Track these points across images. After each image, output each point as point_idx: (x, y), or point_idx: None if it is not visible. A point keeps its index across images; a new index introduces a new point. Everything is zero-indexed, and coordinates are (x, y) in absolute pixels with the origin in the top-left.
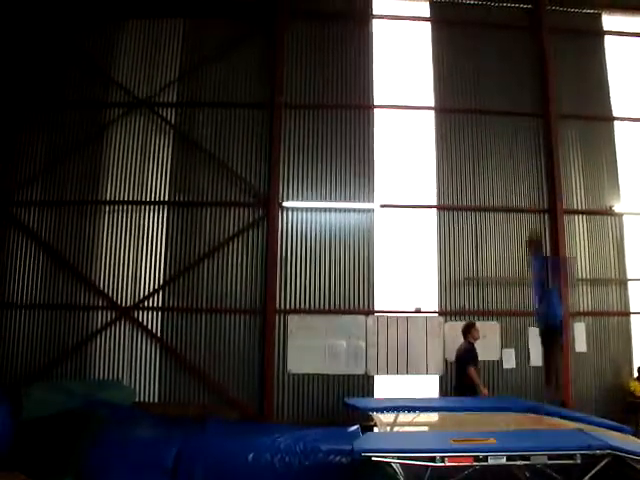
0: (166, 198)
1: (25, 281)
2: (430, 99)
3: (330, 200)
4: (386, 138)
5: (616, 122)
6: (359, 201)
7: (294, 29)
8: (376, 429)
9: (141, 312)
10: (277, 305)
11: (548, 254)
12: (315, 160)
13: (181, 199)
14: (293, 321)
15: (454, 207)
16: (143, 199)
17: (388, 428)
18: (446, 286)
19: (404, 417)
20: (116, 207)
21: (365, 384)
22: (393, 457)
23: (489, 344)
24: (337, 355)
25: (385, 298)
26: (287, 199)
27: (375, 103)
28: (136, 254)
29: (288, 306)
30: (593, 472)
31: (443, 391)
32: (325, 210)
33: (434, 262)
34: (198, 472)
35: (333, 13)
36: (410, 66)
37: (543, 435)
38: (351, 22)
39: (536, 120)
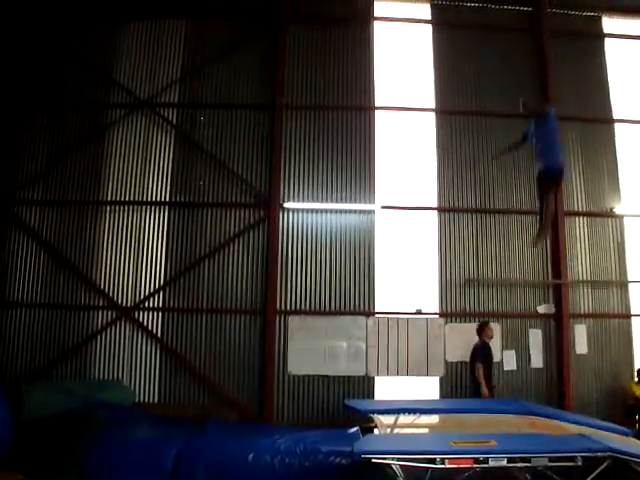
0: (167, 199)
1: (26, 280)
2: (431, 101)
3: (331, 201)
4: (387, 140)
5: (616, 124)
6: (360, 202)
7: (296, 31)
8: (376, 431)
9: (141, 312)
10: (277, 306)
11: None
12: (316, 161)
13: (182, 200)
14: (293, 322)
15: (455, 209)
16: (144, 199)
17: (388, 430)
18: (447, 288)
19: (404, 419)
20: (117, 207)
21: (365, 385)
22: (393, 459)
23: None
24: (337, 356)
25: (386, 299)
26: (288, 200)
27: (376, 105)
28: (137, 254)
29: (288, 307)
30: (594, 474)
31: (444, 393)
32: (326, 211)
33: (435, 263)
34: (198, 473)
35: (334, 15)
36: (411, 68)
37: (544, 437)
38: (352, 24)
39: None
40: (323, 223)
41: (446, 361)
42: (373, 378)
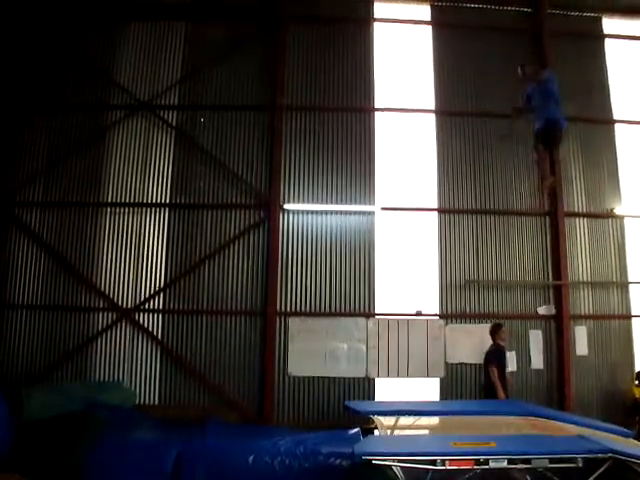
0: (167, 200)
1: (26, 282)
2: (431, 102)
3: (331, 203)
4: (387, 141)
5: (617, 125)
6: (360, 204)
7: (296, 32)
8: (377, 432)
9: (142, 314)
10: (278, 307)
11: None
12: (316, 162)
13: (182, 201)
14: (294, 323)
15: (455, 210)
16: (144, 201)
17: (389, 431)
18: (447, 289)
19: (405, 420)
20: (117, 209)
21: (366, 387)
22: (394, 460)
23: None
24: (338, 358)
25: (386, 301)
26: (288, 201)
27: (376, 106)
28: (137, 256)
29: (289, 308)
30: (595, 476)
31: (444, 394)
32: (326, 213)
33: (435, 265)
34: (198, 475)
35: (334, 16)
36: (411, 69)
37: (544, 439)
38: (352, 25)
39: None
40: (323, 224)
41: (446, 362)
42: (373, 379)
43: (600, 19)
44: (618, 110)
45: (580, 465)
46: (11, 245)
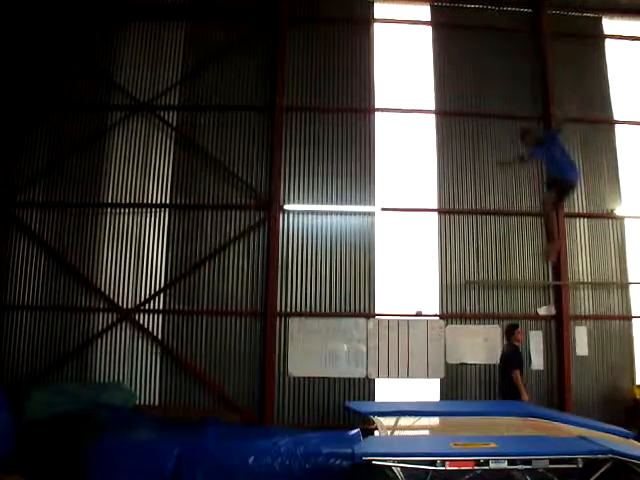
0: (167, 201)
1: (26, 283)
2: (431, 102)
3: (331, 203)
4: (387, 141)
5: (617, 125)
6: (360, 204)
7: (296, 32)
8: (377, 433)
9: (142, 315)
10: (278, 308)
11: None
12: (316, 163)
13: (182, 202)
14: (294, 324)
15: (455, 210)
16: (144, 202)
17: (389, 432)
18: (447, 289)
19: (405, 421)
20: (117, 210)
21: (366, 387)
22: (394, 461)
23: (490, 347)
24: (338, 358)
25: (386, 301)
26: (288, 202)
27: (376, 106)
28: (137, 257)
29: (289, 309)
30: (595, 476)
31: (444, 395)
32: (326, 213)
33: (435, 265)
34: (199, 475)
35: (334, 17)
36: (411, 70)
37: (545, 439)
38: (352, 26)
39: (537, 123)
40: (323, 225)
41: (446, 363)
42: (373, 380)
43: (600, 19)
44: (618, 111)
45: (580, 466)
46: (11, 246)
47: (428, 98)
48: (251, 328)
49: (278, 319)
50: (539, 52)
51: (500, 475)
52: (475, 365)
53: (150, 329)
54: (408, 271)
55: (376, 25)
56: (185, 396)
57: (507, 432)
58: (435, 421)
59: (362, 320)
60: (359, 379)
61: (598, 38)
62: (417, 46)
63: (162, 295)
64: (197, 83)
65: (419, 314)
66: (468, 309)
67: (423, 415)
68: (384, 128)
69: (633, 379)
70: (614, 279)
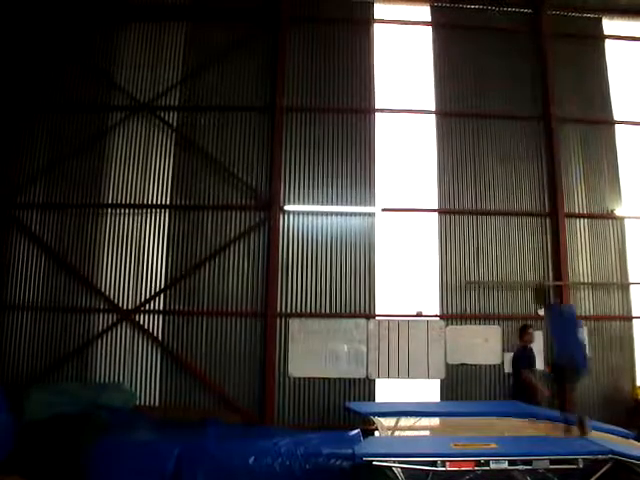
0: (168, 201)
1: (27, 283)
2: (431, 103)
3: (331, 204)
4: (387, 142)
5: (617, 126)
6: (360, 205)
7: (296, 33)
8: (377, 433)
9: (143, 315)
10: (278, 308)
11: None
12: (316, 164)
13: (182, 202)
14: (294, 324)
15: (455, 211)
16: (145, 202)
17: (389, 432)
18: (447, 290)
19: (405, 421)
20: (118, 210)
21: (366, 388)
22: (394, 461)
23: (490, 348)
24: (338, 359)
25: (386, 302)
26: (288, 203)
27: (376, 107)
28: (138, 257)
29: (289, 310)
30: (595, 477)
31: (444, 395)
32: (326, 214)
33: (435, 266)
34: (199, 476)
35: (335, 17)
36: (411, 70)
37: (545, 440)
38: (352, 26)
39: (537, 124)
40: (324, 226)
41: (447, 363)
42: (374, 380)
43: (600, 20)
44: (618, 111)
45: (581, 466)
46: (12, 247)
47: (428, 98)
48: (251, 329)
49: (278, 320)
50: (539, 52)
51: (500, 475)
52: (475, 365)
53: (150, 330)
54: (408, 271)
55: (376, 25)
56: (185, 396)
57: (507, 433)
58: (435, 422)
59: (362, 320)
60: (359, 379)
61: (598, 38)
62: (417, 46)
63: (162, 296)
64: (197, 83)
65: (419, 314)
66: (468, 309)
67: (423, 416)
68: (384, 128)
69: (633, 379)
70: (614, 279)
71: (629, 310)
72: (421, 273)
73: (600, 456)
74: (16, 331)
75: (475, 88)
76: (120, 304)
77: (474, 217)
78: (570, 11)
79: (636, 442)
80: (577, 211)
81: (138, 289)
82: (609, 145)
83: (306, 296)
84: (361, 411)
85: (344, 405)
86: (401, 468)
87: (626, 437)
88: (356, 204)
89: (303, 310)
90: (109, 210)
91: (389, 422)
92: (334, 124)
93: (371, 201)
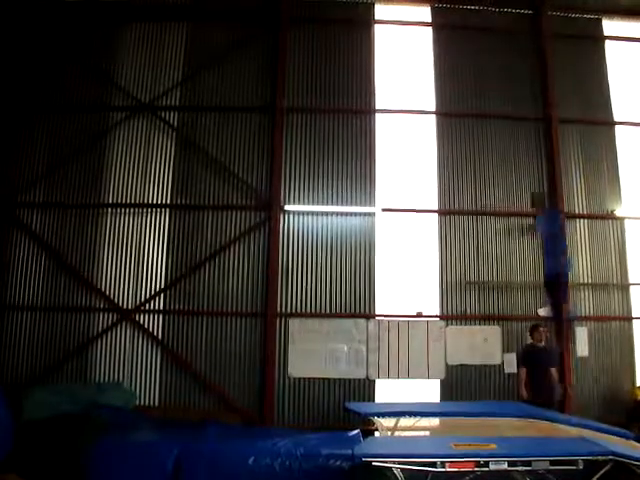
0: (168, 201)
1: (27, 283)
2: (431, 103)
3: (332, 204)
4: (387, 142)
5: (617, 126)
6: (360, 205)
7: (297, 33)
8: (377, 434)
9: (143, 315)
10: (278, 308)
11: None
12: (317, 164)
13: (183, 202)
14: (294, 324)
15: (455, 211)
16: (145, 202)
17: (389, 433)
18: (447, 290)
19: (405, 422)
20: (118, 210)
21: (366, 388)
22: (394, 462)
23: (490, 348)
24: (338, 359)
25: (386, 302)
26: (289, 203)
27: (376, 107)
28: (138, 257)
29: (289, 309)
30: (595, 478)
31: (444, 396)
32: (327, 214)
33: (435, 266)
34: (198, 476)
35: (335, 18)
36: (411, 71)
37: (545, 441)
38: (353, 27)
39: (537, 124)
40: (324, 226)
41: (447, 364)
42: (374, 381)
43: (600, 21)
44: (618, 112)
45: (581, 467)
46: (12, 246)
47: (428, 99)
48: (251, 329)
49: (278, 320)
50: (539, 53)
51: (500, 476)
52: (475, 366)
53: (150, 329)
54: (408, 272)
55: (377, 26)
56: (185, 396)
57: (507, 433)
58: (435, 422)
59: (362, 321)
60: (359, 380)
61: (598, 39)
62: (417, 47)
63: (162, 295)
64: (198, 84)
65: (419, 315)
66: (468, 310)
67: (423, 416)
68: (384, 129)
69: (633, 380)
70: (614, 280)
71: (629, 310)
72: (421, 273)
73: (600, 457)
74: (16, 331)
75: (475, 88)
76: (120, 304)
77: (474, 217)
78: (570, 12)
79: (636, 443)
80: (577, 211)
81: (138, 289)
82: (609, 146)
83: (306, 296)
84: (361, 411)
85: (344, 405)
86: (401, 469)
87: (626, 438)
88: (356, 204)
89: (303, 310)
90: (109, 210)
91: (389, 422)
92: (334, 124)
93: (371, 201)
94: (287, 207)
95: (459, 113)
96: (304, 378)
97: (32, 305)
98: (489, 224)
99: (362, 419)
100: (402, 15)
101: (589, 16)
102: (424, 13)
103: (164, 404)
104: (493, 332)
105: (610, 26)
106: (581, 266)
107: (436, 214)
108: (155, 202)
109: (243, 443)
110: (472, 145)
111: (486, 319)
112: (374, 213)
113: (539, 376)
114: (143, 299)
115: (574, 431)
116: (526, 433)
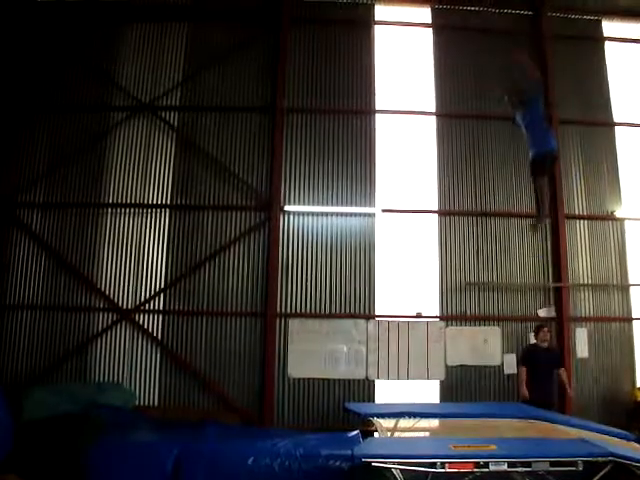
0: (168, 201)
1: (27, 283)
2: (431, 104)
3: (332, 204)
4: (388, 143)
5: (617, 127)
6: (360, 205)
7: (297, 34)
8: (376, 434)
9: (142, 315)
10: (278, 309)
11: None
12: (317, 164)
13: (183, 202)
14: (294, 325)
15: (455, 212)
16: (145, 202)
17: (388, 433)
18: (447, 291)
19: (405, 422)
20: (118, 210)
21: (366, 389)
22: (393, 463)
23: (490, 349)
24: (338, 359)
25: (386, 302)
26: (289, 203)
27: (377, 108)
28: (138, 257)
29: (289, 310)
30: (595, 479)
31: (444, 397)
32: (327, 214)
33: (435, 267)
34: (198, 476)
35: (336, 19)
36: (411, 71)
37: (545, 442)
38: (353, 28)
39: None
40: (324, 226)
41: (446, 365)
42: (373, 381)
43: (600, 22)
44: (618, 113)
45: (580, 468)
46: (12, 246)
47: (428, 100)
48: (251, 329)
49: (278, 320)
50: (539, 54)
51: (500, 477)
52: (475, 367)
53: (150, 329)
54: (408, 272)
55: (377, 27)
56: (185, 396)
57: (507, 434)
58: (435, 423)
59: (362, 321)
60: (359, 380)
61: (598, 40)
62: (418, 48)
63: (162, 295)
64: (198, 84)
65: (419, 315)
66: (468, 311)
67: (423, 417)
68: (385, 130)
69: (633, 381)
70: (614, 281)
71: (629, 311)
72: (421, 274)
73: (600, 458)
74: (16, 330)
75: (475, 89)
76: (120, 304)
77: (474, 218)
78: (570, 13)
79: (636, 444)
80: (577, 212)
81: (138, 289)
82: (609, 147)
83: (306, 296)
84: (360, 412)
85: (343, 406)
86: (400, 469)
87: (626, 439)
88: (356, 205)
89: (303, 310)
90: (109, 210)
91: (388, 423)
92: (334, 125)
93: (371, 202)
94: (287, 207)
95: (459, 114)
96: (304, 378)
97: (32, 305)
98: (489, 225)
99: (362, 420)
100: (402, 16)
101: (589, 17)
102: (424, 14)
103: (164, 404)
104: (493, 333)
105: (610, 27)
106: (581, 267)
107: (436, 215)
108: (155, 202)
109: (243, 443)
110: (472, 146)
111: (486, 320)
112: (374, 214)
113: (539, 376)
114: (143, 299)
115: (574, 432)
116: (526, 434)
